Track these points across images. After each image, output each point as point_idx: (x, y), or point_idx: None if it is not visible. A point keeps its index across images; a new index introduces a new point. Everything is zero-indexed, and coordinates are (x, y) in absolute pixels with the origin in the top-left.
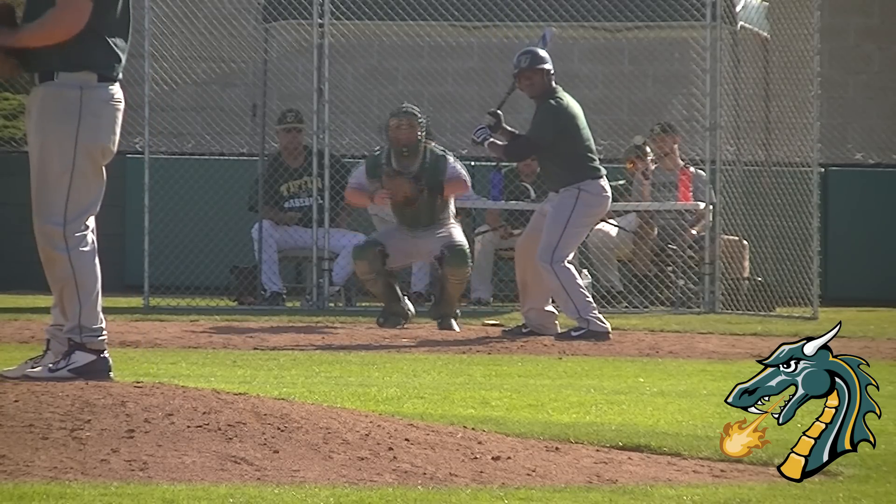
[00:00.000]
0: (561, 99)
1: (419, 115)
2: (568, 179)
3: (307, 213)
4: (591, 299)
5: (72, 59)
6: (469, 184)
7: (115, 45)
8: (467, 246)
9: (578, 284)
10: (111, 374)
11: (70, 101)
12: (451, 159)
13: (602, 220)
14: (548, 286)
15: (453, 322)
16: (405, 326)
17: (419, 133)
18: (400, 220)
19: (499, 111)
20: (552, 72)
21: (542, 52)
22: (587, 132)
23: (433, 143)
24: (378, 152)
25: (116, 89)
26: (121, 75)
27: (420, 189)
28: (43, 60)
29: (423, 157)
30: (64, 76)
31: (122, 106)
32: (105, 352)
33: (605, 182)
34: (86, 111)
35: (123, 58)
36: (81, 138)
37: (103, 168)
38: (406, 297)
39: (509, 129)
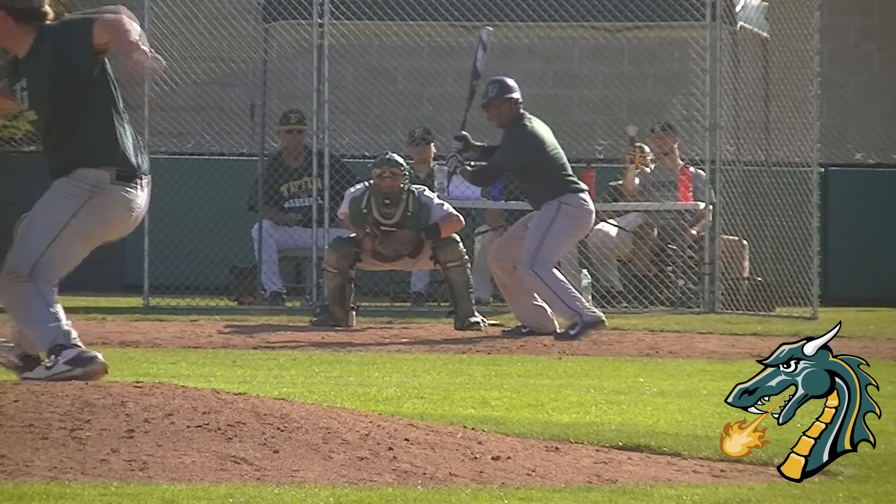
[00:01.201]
0: (527, 126)
1: (403, 164)
2: (548, 196)
3: (307, 214)
4: (576, 293)
5: (98, 156)
6: (461, 218)
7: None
8: (456, 237)
9: (560, 280)
10: (100, 356)
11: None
12: (435, 200)
13: (602, 220)
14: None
15: (475, 318)
16: (339, 329)
17: (402, 183)
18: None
19: (464, 132)
20: (520, 100)
21: (510, 81)
22: (558, 152)
23: (418, 190)
24: (360, 192)
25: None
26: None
27: (419, 239)
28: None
29: (405, 206)
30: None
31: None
32: (83, 347)
33: (586, 196)
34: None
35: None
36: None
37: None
38: (354, 312)
39: (478, 144)
